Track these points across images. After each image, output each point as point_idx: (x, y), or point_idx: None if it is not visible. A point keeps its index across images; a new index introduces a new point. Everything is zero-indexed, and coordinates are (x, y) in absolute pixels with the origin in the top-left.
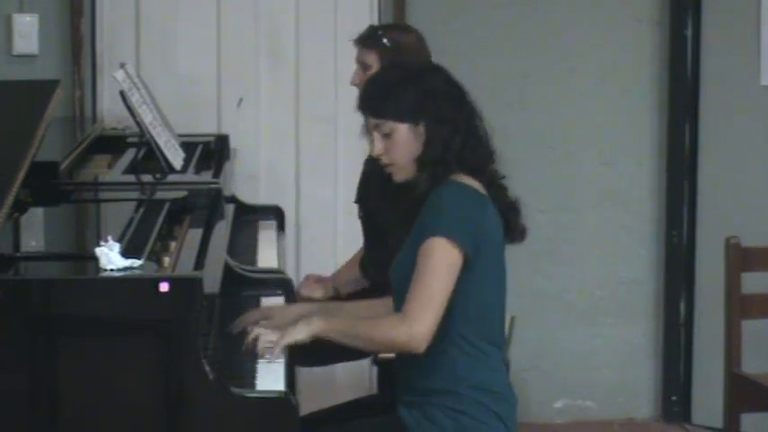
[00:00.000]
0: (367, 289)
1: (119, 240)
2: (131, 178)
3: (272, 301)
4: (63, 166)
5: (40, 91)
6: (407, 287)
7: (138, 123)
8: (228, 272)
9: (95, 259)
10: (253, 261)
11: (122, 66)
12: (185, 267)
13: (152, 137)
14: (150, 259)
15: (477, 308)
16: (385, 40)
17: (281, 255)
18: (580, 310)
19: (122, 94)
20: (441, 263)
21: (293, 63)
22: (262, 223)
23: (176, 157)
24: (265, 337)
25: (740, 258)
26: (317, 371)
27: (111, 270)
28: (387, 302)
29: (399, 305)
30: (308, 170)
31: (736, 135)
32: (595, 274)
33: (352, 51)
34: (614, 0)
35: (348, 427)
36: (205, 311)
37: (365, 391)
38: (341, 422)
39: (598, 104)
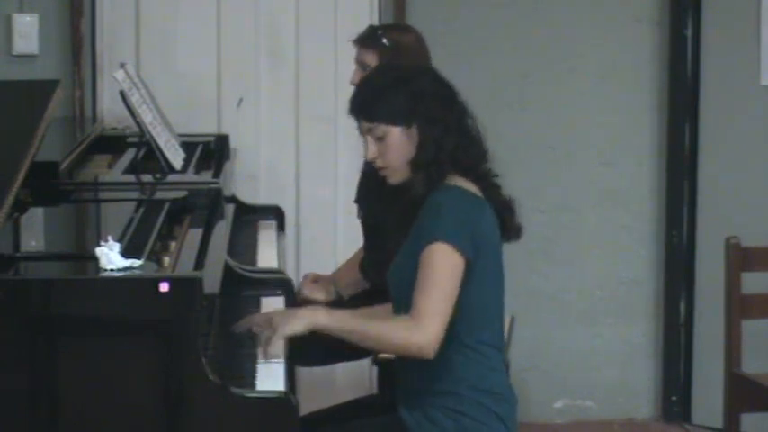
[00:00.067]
0: (368, 290)
1: (119, 240)
2: (131, 178)
3: (273, 302)
4: (63, 166)
5: (40, 91)
6: (406, 291)
7: (138, 123)
8: (228, 272)
9: (95, 259)
10: (253, 261)
11: (122, 66)
12: (185, 267)
13: (152, 137)
14: (150, 259)
15: (476, 310)
16: (384, 40)
17: (281, 255)
18: (580, 310)
19: (122, 94)
20: (445, 268)
21: (293, 63)
22: (262, 223)
23: (176, 157)
24: (262, 320)
25: (740, 258)
26: (317, 371)
27: (111, 270)
28: (388, 308)
29: (398, 309)
30: (308, 170)
31: (736, 135)
32: (595, 274)
33: (352, 51)
34: (614, 0)
35: (348, 427)
36: (205, 311)
37: (365, 391)
38: (341, 422)
39: (598, 104)
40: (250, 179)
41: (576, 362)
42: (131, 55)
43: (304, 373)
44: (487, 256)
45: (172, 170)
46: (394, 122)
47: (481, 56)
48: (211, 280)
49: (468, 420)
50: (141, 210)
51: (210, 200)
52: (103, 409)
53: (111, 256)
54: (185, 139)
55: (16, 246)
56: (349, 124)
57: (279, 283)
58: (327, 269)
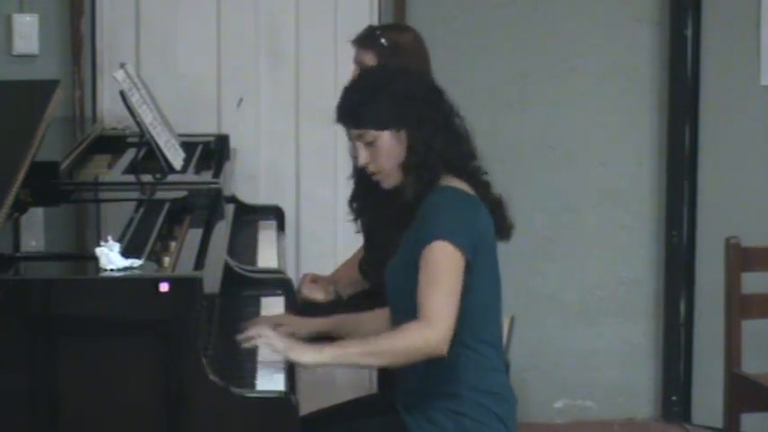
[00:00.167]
0: (367, 291)
1: (119, 240)
2: (131, 178)
3: (273, 302)
4: (63, 166)
5: (40, 91)
6: (403, 297)
7: (138, 123)
8: (228, 272)
9: (95, 259)
10: (253, 261)
11: (122, 66)
12: (185, 267)
13: (152, 137)
14: (150, 259)
15: (475, 310)
16: (383, 40)
17: (281, 255)
18: (580, 310)
19: (122, 94)
20: (448, 265)
21: (293, 63)
22: (262, 223)
23: (176, 157)
24: (272, 341)
25: (740, 258)
26: (317, 371)
27: (111, 270)
28: (378, 314)
29: (396, 310)
30: (308, 170)
31: (736, 135)
32: (595, 274)
33: (352, 51)
34: (614, 0)
35: (348, 427)
36: (205, 311)
37: (365, 391)
38: (341, 422)
39: (598, 104)
40: (250, 179)
41: (576, 362)
42: (131, 55)
43: (304, 373)
44: (485, 255)
45: (172, 170)
46: (383, 127)
47: (481, 56)
48: (211, 280)
49: (469, 421)
50: (141, 210)
51: (210, 200)
52: (103, 409)
53: (111, 256)
54: (185, 139)
55: (16, 246)
56: None
57: (279, 283)
58: (327, 269)
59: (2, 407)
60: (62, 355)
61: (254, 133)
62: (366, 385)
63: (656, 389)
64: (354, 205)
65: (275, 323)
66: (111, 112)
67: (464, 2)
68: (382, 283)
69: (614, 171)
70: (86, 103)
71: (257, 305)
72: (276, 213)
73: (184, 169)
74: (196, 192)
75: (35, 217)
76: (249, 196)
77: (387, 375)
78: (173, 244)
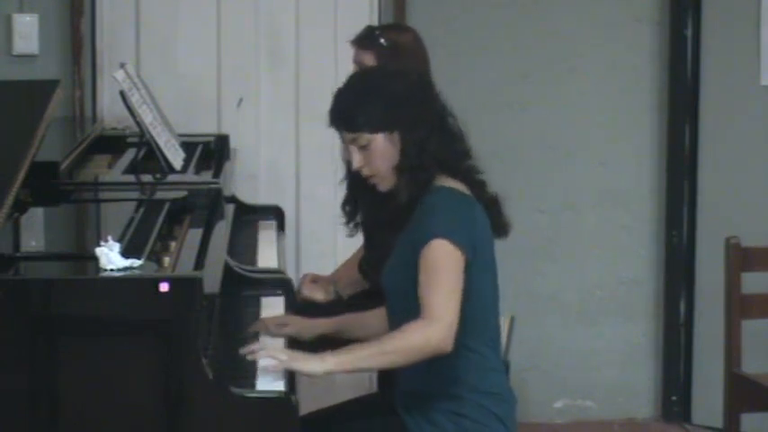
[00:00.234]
0: (367, 291)
1: (119, 240)
2: (131, 178)
3: (273, 302)
4: (63, 166)
5: (40, 91)
6: (401, 297)
7: (138, 123)
8: (228, 272)
9: (95, 259)
10: (253, 261)
11: (122, 66)
12: (185, 267)
13: (152, 137)
14: (150, 259)
15: (476, 311)
16: (382, 41)
17: (281, 255)
18: (580, 310)
19: (122, 94)
20: (448, 262)
21: (293, 63)
22: (262, 223)
23: (176, 157)
24: (274, 353)
25: (740, 258)
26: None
27: (111, 270)
28: (377, 313)
29: (393, 311)
30: (308, 170)
31: (736, 135)
32: (595, 274)
33: (352, 51)
34: (614, 0)
35: (349, 428)
36: (205, 311)
37: (365, 391)
38: (341, 422)
39: (598, 104)
40: (250, 179)
41: (576, 362)
42: (131, 55)
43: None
44: (484, 255)
45: (172, 170)
46: (376, 130)
47: (481, 56)
48: (211, 280)
49: (469, 423)
50: (141, 210)
51: (210, 200)
52: (103, 409)
53: (111, 256)
54: (185, 139)
55: (16, 246)
56: None
57: (279, 283)
58: (327, 269)
59: (2, 407)
60: (62, 355)
61: (254, 133)
62: (366, 385)
63: (656, 389)
64: (347, 208)
65: (278, 323)
66: (111, 112)
67: (464, 2)
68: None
69: (614, 171)
70: (86, 103)
71: (257, 305)
72: (276, 213)
73: (184, 169)
74: (196, 192)
75: (35, 217)
76: (249, 196)
77: (386, 375)
78: (173, 244)
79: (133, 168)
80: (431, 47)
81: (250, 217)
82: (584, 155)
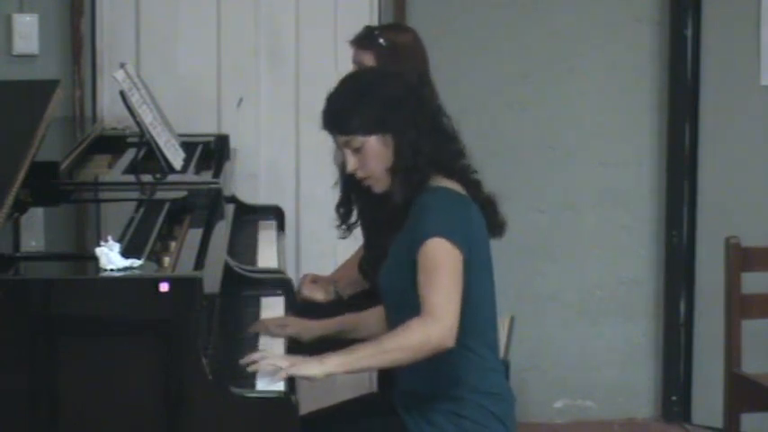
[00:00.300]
0: (367, 291)
1: (119, 240)
2: (131, 178)
3: (273, 302)
4: (63, 166)
5: (40, 91)
6: (397, 298)
7: (138, 123)
8: (228, 272)
9: (95, 259)
10: (253, 261)
11: (122, 66)
12: (185, 267)
13: (152, 137)
14: (150, 259)
15: (472, 311)
16: (381, 41)
17: (281, 255)
18: (580, 309)
19: (122, 94)
20: (446, 260)
21: (293, 63)
22: (262, 223)
23: (176, 157)
24: (273, 361)
25: (740, 258)
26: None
27: (111, 270)
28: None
29: (391, 311)
30: (308, 170)
31: (736, 135)
32: (595, 274)
33: (351, 52)
34: (614, 0)
35: (348, 428)
36: (205, 311)
37: (365, 391)
38: (341, 422)
39: (598, 104)
40: (250, 179)
41: (576, 362)
42: (131, 55)
43: None
44: (480, 255)
45: (172, 170)
46: (369, 132)
47: (481, 56)
48: (211, 280)
49: (469, 423)
50: (141, 210)
51: (210, 200)
52: (103, 409)
53: (111, 256)
54: (185, 139)
55: (16, 246)
56: None
57: (279, 283)
58: (327, 269)
59: (2, 407)
60: (62, 355)
61: (254, 133)
62: (366, 385)
63: (656, 389)
64: (341, 210)
65: (279, 324)
66: (111, 112)
67: (464, 2)
68: None
69: (614, 171)
70: (86, 103)
71: (257, 305)
72: (276, 213)
73: (184, 169)
74: (196, 192)
75: (35, 217)
76: (249, 196)
77: (387, 375)
78: (173, 244)
79: (133, 168)
80: (431, 47)
81: (250, 217)
82: (584, 155)
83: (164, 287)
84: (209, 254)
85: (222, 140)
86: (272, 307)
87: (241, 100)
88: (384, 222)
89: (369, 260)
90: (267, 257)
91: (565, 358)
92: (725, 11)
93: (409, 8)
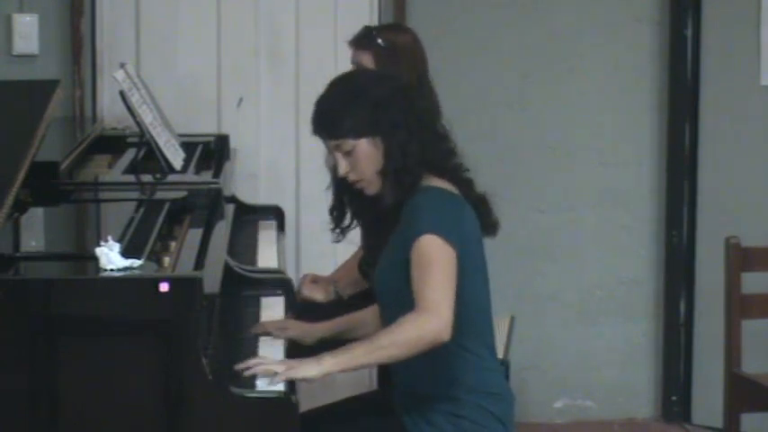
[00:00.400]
0: (367, 290)
1: (119, 240)
2: (131, 178)
3: (273, 302)
4: (63, 166)
5: (40, 91)
6: (392, 298)
7: (138, 123)
8: (228, 272)
9: (95, 259)
10: (253, 261)
11: (122, 66)
12: (185, 267)
13: (152, 137)
14: (150, 259)
15: (467, 310)
16: (379, 41)
17: (281, 255)
18: (580, 309)
19: (122, 94)
20: (439, 256)
21: (293, 63)
22: (262, 223)
23: (176, 157)
24: (269, 366)
25: (740, 258)
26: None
27: (111, 270)
28: (375, 310)
29: (386, 310)
30: (308, 170)
31: (736, 135)
32: (595, 274)
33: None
34: (614, 0)
35: (348, 427)
36: (205, 311)
37: (365, 389)
38: (341, 421)
39: (598, 104)
40: (250, 179)
41: (576, 362)
42: (131, 55)
43: None
44: (475, 254)
45: (172, 170)
46: (359, 135)
47: (481, 56)
48: (211, 280)
49: (468, 423)
50: (141, 210)
51: (210, 200)
52: (103, 409)
53: (111, 256)
54: (185, 139)
55: (16, 246)
56: None
57: (279, 283)
58: (327, 269)
59: (2, 407)
60: (62, 355)
61: (254, 133)
62: (366, 384)
63: (656, 389)
64: (335, 214)
65: (279, 327)
66: (111, 112)
67: (464, 2)
68: None
69: (614, 171)
70: (86, 103)
71: (257, 305)
72: (276, 213)
73: (184, 169)
74: (196, 192)
75: (35, 217)
76: (249, 196)
77: (386, 373)
78: (173, 244)
79: (133, 168)
80: (431, 47)
81: (250, 217)
82: (584, 155)
83: (164, 287)
84: (209, 254)
85: (222, 140)
86: (272, 307)
87: (241, 100)
88: (379, 224)
89: (368, 261)
90: (267, 257)
91: (565, 358)
92: (725, 11)
93: (409, 8)
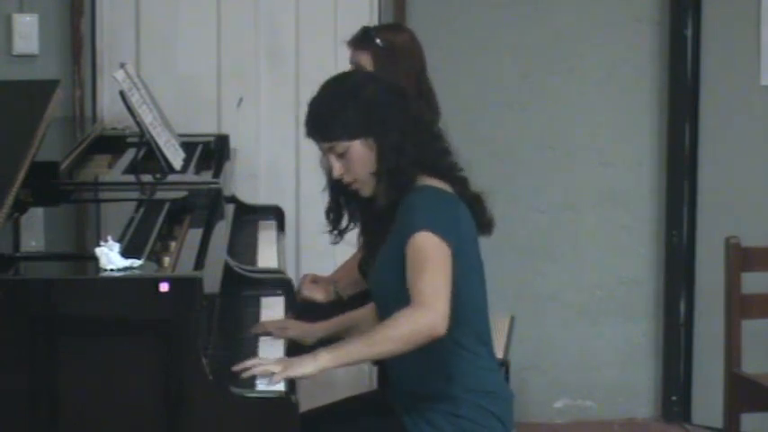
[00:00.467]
0: (367, 291)
1: (119, 240)
2: (131, 178)
3: (273, 302)
4: (63, 166)
5: (40, 91)
6: (389, 300)
7: (138, 123)
8: (228, 272)
9: (95, 259)
10: (253, 261)
11: (122, 66)
12: (185, 267)
13: (152, 137)
14: (150, 259)
15: (463, 308)
16: (378, 41)
17: (281, 255)
18: (580, 309)
19: (122, 94)
20: (435, 252)
21: (293, 63)
22: (262, 223)
23: (176, 157)
24: (267, 367)
25: (740, 258)
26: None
27: (111, 270)
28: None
29: (382, 309)
30: (308, 170)
31: (736, 135)
32: (595, 274)
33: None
34: (614, 0)
35: (348, 427)
36: (205, 311)
37: (365, 389)
38: (341, 421)
39: (598, 104)
40: (250, 179)
41: (576, 362)
42: (131, 55)
43: None
44: (470, 253)
45: (172, 170)
46: (352, 137)
47: (481, 56)
48: (211, 280)
49: (467, 423)
50: (141, 210)
51: (210, 200)
52: (103, 409)
53: (111, 256)
54: (185, 139)
55: (16, 246)
56: None
57: (279, 283)
58: (327, 269)
59: (2, 407)
60: (62, 355)
61: (254, 133)
62: (366, 384)
63: (656, 389)
64: (331, 216)
65: (279, 327)
66: (111, 112)
67: (464, 2)
68: None
69: (614, 171)
70: (86, 103)
71: (257, 305)
72: (276, 213)
73: (184, 169)
74: (196, 192)
75: (35, 217)
76: (249, 196)
77: (386, 373)
78: (173, 244)
79: (133, 168)
80: (431, 47)
81: (250, 217)
82: (584, 155)
83: (164, 287)
84: (209, 254)
85: (222, 140)
86: (272, 307)
87: (241, 100)
88: (376, 224)
89: (367, 261)
90: (267, 257)
91: (565, 358)
92: (725, 11)
93: (409, 8)
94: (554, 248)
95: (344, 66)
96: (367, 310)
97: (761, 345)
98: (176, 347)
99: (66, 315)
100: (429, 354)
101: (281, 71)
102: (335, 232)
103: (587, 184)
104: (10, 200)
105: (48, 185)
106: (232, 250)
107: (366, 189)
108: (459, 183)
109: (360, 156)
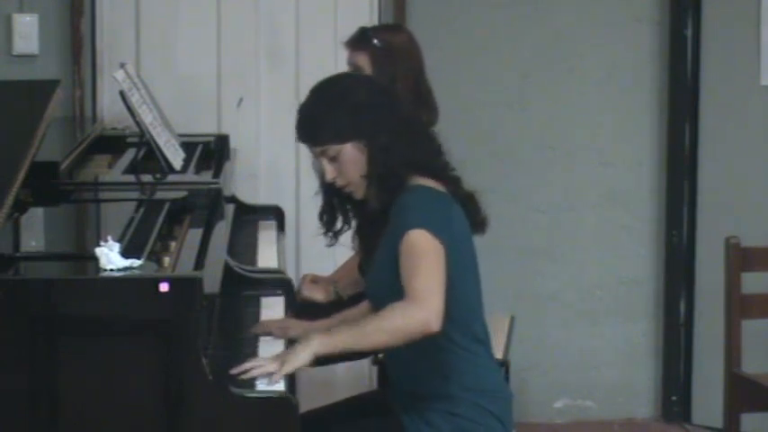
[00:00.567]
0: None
1: (119, 240)
2: (131, 178)
3: (273, 301)
4: (63, 166)
5: (40, 91)
6: (384, 290)
7: (138, 123)
8: (228, 272)
9: (95, 259)
10: (253, 261)
11: (122, 66)
12: (185, 267)
13: (152, 137)
14: (150, 259)
15: (458, 307)
16: (375, 41)
17: (281, 255)
18: (580, 309)
19: (122, 94)
20: (428, 249)
21: (293, 63)
22: (262, 223)
23: (176, 157)
24: (265, 368)
25: (740, 258)
26: (317, 371)
27: (111, 270)
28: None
29: (378, 308)
30: (308, 170)
31: (736, 135)
32: (595, 274)
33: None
34: (614, 0)
35: (347, 427)
36: (205, 311)
37: (365, 389)
38: (341, 421)
39: (598, 104)
40: (250, 179)
41: (576, 362)
42: (131, 55)
43: (304, 372)
44: (464, 252)
45: (172, 170)
46: (343, 140)
47: (481, 56)
48: (211, 280)
49: (466, 422)
50: (141, 210)
51: (210, 200)
52: (103, 409)
53: (111, 256)
54: (185, 139)
55: (16, 246)
56: None
57: (279, 283)
58: (327, 269)
59: (2, 407)
60: (62, 355)
61: (254, 133)
62: (366, 384)
63: (656, 389)
64: (325, 218)
65: (280, 327)
66: (111, 112)
67: (464, 2)
68: None
69: (614, 171)
70: (86, 103)
71: (257, 305)
72: (276, 213)
73: (184, 169)
74: (196, 192)
75: (35, 217)
76: (249, 196)
77: (386, 372)
78: (173, 244)
79: (133, 168)
80: (431, 47)
81: (250, 217)
82: (584, 155)
83: (164, 287)
84: (209, 254)
85: (222, 140)
86: (272, 307)
87: (241, 100)
88: (370, 227)
89: (367, 262)
90: (267, 257)
91: (565, 358)
92: (725, 11)
93: (409, 8)
94: (554, 248)
95: (344, 66)
96: (366, 308)
97: (761, 345)
98: (176, 347)
99: (66, 315)
100: (426, 352)
101: (281, 71)
102: (330, 234)
103: (587, 184)
104: (10, 200)
105: (48, 185)
106: (232, 250)
107: (359, 191)
108: (452, 182)
109: (351, 159)
